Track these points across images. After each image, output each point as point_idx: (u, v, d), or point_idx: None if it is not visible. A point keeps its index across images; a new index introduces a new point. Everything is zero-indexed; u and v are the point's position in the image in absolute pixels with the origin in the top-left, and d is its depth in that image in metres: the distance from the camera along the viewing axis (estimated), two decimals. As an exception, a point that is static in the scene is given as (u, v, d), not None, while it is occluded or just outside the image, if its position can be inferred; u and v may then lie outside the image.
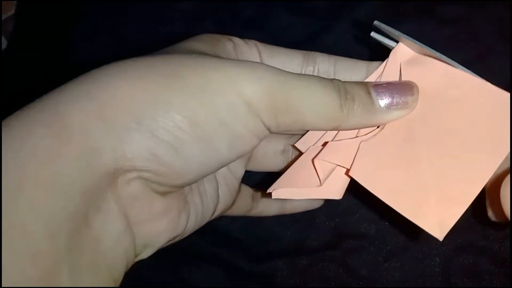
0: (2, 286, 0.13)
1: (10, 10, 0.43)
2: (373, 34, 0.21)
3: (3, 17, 0.43)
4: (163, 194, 0.18)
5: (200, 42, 0.19)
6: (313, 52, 0.22)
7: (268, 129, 0.18)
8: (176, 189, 0.18)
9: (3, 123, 0.15)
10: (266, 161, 0.26)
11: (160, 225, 0.18)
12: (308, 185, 0.21)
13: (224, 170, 0.22)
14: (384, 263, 0.31)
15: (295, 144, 0.22)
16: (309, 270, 0.32)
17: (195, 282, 0.32)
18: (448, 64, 0.19)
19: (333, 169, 0.20)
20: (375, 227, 0.32)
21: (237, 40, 0.21)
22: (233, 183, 0.23)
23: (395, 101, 0.19)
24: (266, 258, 0.32)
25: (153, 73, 0.16)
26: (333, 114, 0.18)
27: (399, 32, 0.19)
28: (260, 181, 0.31)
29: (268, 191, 0.21)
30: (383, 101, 0.18)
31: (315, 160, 0.20)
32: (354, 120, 0.18)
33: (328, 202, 0.32)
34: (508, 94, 0.17)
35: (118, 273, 0.17)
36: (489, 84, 0.18)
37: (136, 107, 0.16)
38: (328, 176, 0.20)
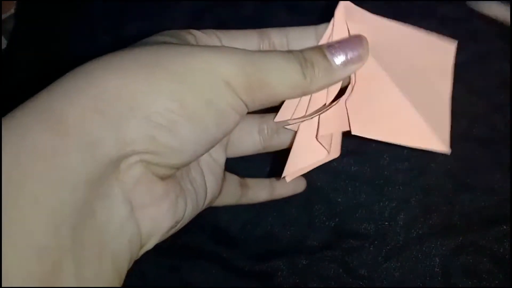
0: (5, 283, 0.13)
1: (10, 10, 0.43)
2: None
3: (3, 17, 0.43)
4: (162, 178, 0.19)
5: (165, 37, 0.21)
6: (266, 29, 0.23)
7: (246, 106, 0.19)
8: (174, 171, 0.19)
9: (1, 123, 0.16)
10: (244, 144, 0.27)
11: (162, 209, 0.19)
12: (317, 159, 0.23)
13: (206, 157, 0.23)
14: (384, 263, 0.31)
15: (275, 120, 0.23)
16: (309, 270, 0.32)
17: (195, 281, 0.33)
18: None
19: (331, 136, 0.23)
20: (375, 227, 0.32)
21: (195, 32, 0.22)
22: (217, 170, 0.24)
23: (349, 57, 0.21)
24: (266, 258, 0.32)
25: (136, 63, 0.17)
26: (298, 82, 0.20)
27: None
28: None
29: (283, 176, 0.23)
30: (338, 59, 0.21)
31: (318, 138, 0.22)
32: (318, 83, 0.20)
33: (328, 202, 0.33)
34: (452, 44, 0.20)
35: (122, 265, 0.17)
36: (429, 37, 0.20)
37: (128, 96, 0.17)
38: (330, 143, 0.23)
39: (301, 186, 0.29)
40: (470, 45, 0.32)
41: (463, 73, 0.31)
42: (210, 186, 0.23)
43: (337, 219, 0.32)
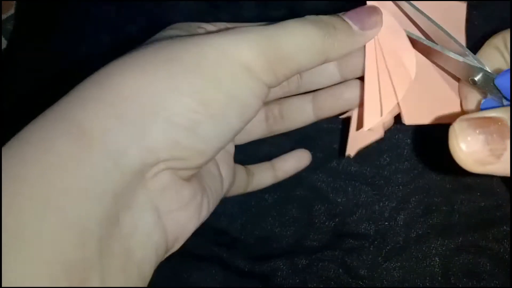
0: None
1: (10, 10, 0.43)
2: None
3: (3, 17, 0.43)
4: (188, 179, 0.18)
5: (176, 30, 0.20)
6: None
7: (269, 87, 0.19)
8: (198, 170, 0.19)
9: (21, 136, 0.15)
10: (252, 131, 0.27)
11: (189, 212, 0.19)
12: (373, 138, 0.24)
13: None
14: (384, 263, 0.31)
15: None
16: (309, 270, 0.32)
17: (195, 281, 0.32)
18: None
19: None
20: (375, 227, 0.32)
21: (205, 25, 0.22)
22: (229, 159, 0.24)
23: (365, 22, 0.20)
24: (266, 258, 0.32)
25: (151, 62, 0.17)
26: (321, 46, 0.19)
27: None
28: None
29: (346, 155, 0.25)
30: (357, 25, 0.20)
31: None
32: (340, 45, 0.20)
33: (328, 202, 0.33)
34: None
35: (147, 271, 0.17)
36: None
37: (146, 100, 0.16)
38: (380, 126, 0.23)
39: (305, 160, 0.29)
40: (470, 45, 0.32)
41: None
42: (226, 177, 0.23)
43: (337, 219, 0.32)
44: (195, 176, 0.19)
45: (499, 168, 0.15)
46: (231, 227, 0.33)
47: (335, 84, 0.25)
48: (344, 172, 0.33)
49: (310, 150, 0.33)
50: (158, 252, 0.17)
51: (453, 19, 0.22)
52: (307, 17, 0.20)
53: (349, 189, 0.33)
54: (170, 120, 0.16)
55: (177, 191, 0.18)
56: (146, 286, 0.17)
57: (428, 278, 0.30)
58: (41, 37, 0.41)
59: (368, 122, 0.22)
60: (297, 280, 0.32)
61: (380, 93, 0.22)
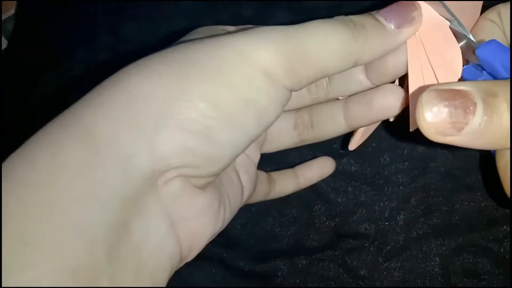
0: None
1: (10, 10, 0.43)
2: None
3: (3, 17, 0.43)
4: (203, 187, 0.18)
5: (199, 34, 0.20)
6: None
7: (291, 91, 0.18)
8: (214, 178, 0.18)
9: (32, 140, 0.15)
10: (280, 140, 0.26)
11: (204, 221, 0.18)
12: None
13: (242, 157, 0.22)
14: (384, 263, 0.31)
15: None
16: (309, 270, 0.32)
17: (195, 281, 0.32)
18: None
19: None
20: (375, 227, 0.32)
21: (229, 28, 0.21)
22: (252, 168, 0.23)
23: (403, 19, 0.19)
24: (266, 258, 0.32)
25: (167, 65, 0.16)
26: (349, 47, 0.18)
27: None
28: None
29: (350, 149, 0.24)
30: (392, 22, 0.19)
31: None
32: (371, 47, 0.18)
33: (328, 202, 0.32)
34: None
35: (161, 280, 0.17)
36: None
37: (159, 104, 0.16)
38: None
39: (328, 168, 0.28)
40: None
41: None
42: (246, 185, 0.22)
43: (337, 219, 0.32)
44: (212, 184, 0.19)
45: (459, 140, 0.16)
46: (231, 227, 0.33)
47: (367, 90, 0.23)
48: (344, 172, 0.33)
49: (310, 150, 0.33)
50: (172, 261, 0.17)
51: (469, 14, 0.20)
52: (336, 17, 0.18)
53: (349, 189, 0.33)
54: (182, 126, 0.16)
55: (191, 199, 0.17)
56: None
57: (428, 278, 0.30)
58: (41, 37, 0.41)
59: (415, 124, 0.20)
60: (297, 280, 0.32)
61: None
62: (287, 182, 0.28)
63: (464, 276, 0.30)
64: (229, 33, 0.20)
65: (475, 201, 0.31)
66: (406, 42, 0.20)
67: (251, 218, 0.33)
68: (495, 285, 0.30)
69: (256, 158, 0.24)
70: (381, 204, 0.32)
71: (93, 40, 0.39)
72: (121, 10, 0.39)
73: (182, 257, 0.18)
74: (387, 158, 0.32)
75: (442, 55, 0.20)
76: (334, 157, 0.33)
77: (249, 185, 0.23)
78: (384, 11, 0.19)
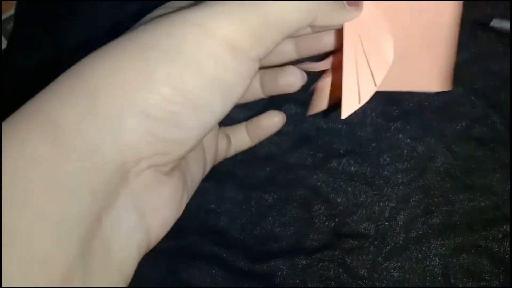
0: None
1: (10, 10, 0.43)
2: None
3: (3, 17, 0.43)
4: (170, 172, 0.18)
5: (163, 9, 0.19)
6: None
7: (259, 61, 0.17)
8: (179, 161, 0.18)
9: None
10: (246, 95, 0.25)
11: (171, 209, 0.18)
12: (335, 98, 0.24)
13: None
14: (384, 263, 0.31)
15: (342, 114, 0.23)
16: (309, 270, 0.32)
17: (195, 282, 0.32)
18: None
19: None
20: (375, 227, 0.32)
21: (186, 3, 0.20)
22: (214, 139, 0.23)
23: (354, 1, 0.20)
24: (266, 258, 0.32)
25: (127, 51, 0.16)
26: (312, 5, 0.17)
27: None
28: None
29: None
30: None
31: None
32: (329, 15, 0.18)
33: (328, 202, 0.33)
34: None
35: (129, 271, 0.17)
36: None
37: (121, 92, 0.15)
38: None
39: (277, 123, 0.27)
40: (470, 45, 0.32)
41: (463, 73, 0.31)
42: (209, 158, 0.22)
43: (337, 219, 0.32)
44: (178, 168, 0.18)
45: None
46: (231, 227, 0.33)
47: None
48: (344, 172, 0.33)
49: (310, 150, 0.33)
50: (140, 251, 0.17)
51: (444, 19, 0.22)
52: None
53: (349, 189, 0.33)
54: (146, 113, 0.15)
55: (160, 190, 0.17)
56: (127, 285, 0.17)
57: (428, 278, 0.30)
58: (41, 37, 0.41)
59: (346, 110, 0.21)
60: (297, 280, 0.32)
61: (358, 80, 0.21)
62: (242, 137, 0.27)
63: (464, 276, 0.30)
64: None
65: (475, 201, 0.31)
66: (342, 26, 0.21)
67: (251, 218, 0.33)
68: (495, 285, 0.30)
69: (216, 126, 0.23)
70: (381, 204, 0.32)
71: (93, 40, 0.39)
72: (121, 10, 0.39)
73: (149, 245, 0.18)
74: (387, 158, 0.32)
75: (375, 43, 0.21)
76: (334, 157, 0.33)
77: (212, 157, 0.22)
78: None
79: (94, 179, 0.15)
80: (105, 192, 0.15)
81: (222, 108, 0.17)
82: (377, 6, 0.21)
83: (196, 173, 0.21)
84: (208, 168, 0.23)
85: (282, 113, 0.26)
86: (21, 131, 0.15)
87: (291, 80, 0.24)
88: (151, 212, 0.17)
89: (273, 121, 0.26)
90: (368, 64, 0.21)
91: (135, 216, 0.16)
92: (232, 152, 0.27)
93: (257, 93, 0.25)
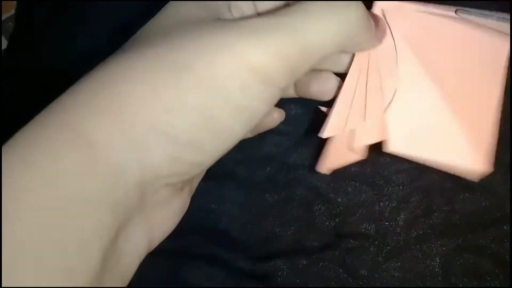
0: None
1: (10, 10, 0.43)
2: None
3: (3, 17, 0.43)
4: (181, 188, 0.18)
5: (190, 5, 0.18)
6: None
7: (284, 89, 0.17)
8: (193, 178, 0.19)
9: (21, 138, 0.15)
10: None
11: (174, 221, 0.19)
12: (349, 160, 0.23)
13: None
14: (384, 263, 0.31)
15: (322, 135, 0.22)
16: (309, 270, 0.32)
17: (195, 282, 0.33)
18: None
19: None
20: (375, 227, 0.32)
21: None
22: None
23: (381, 30, 0.19)
24: (266, 258, 0.32)
25: (160, 70, 0.16)
26: (350, 28, 0.17)
27: None
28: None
29: (317, 170, 0.23)
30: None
31: (354, 147, 0.21)
32: (361, 41, 0.18)
33: (328, 203, 0.33)
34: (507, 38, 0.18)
35: (127, 279, 0.17)
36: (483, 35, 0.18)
37: (150, 113, 0.15)
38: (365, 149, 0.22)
39: (276, 119, 0.26)
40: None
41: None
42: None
43: (337, 219, 0.32)
44: (189, 182, 0.19)
45: None
46: (231, 227, 0.33)
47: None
48: (344, 172, 0.33)
49: (310, 150, 0.33)
50: (140, 260, 0.17)
51: (488, 58, 0.18)
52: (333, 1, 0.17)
53: (349, 189, 0.33)
54: (172, 138, 0.16)
55: (171, 205, 0.18)
56: (125, 285, 0.17)
57: (428, 278, 0.30)
58: (41, 37, 0.41)
59: (327, 131, 0.20)
60: (297, 280, 0.32)
61: (350, 108, 0.20)
62: None
63: (464, 276, 0.30)
64: (229, 8, 0.19)
65: (475, 201, 0.31)
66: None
67: (251, 218, 0.33)
68: (495, 285, 0.30)
69: None
70: (381, 204, 0.32)
71: (93, 40, 0.39)
72: (122, 10, 0.39)
73: (147, 252, 0.18)
74: (387, 158, 0.32)
75: (379, 81, 0.19)
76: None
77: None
78: (373, 15, 0.19)
79: (116, 197, 0.15)
80: (125, 209, 0.16)
81: (242, 132, 0.17)
82: (406, 40, 0.19)
83: (200, 176, 0.22)
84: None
85: (282, 110, 0.26)
86: (51, 140, 0.15)
87: (325, 88, 0.22)
88: (158, 226, 0.18)
89: (272, 117, 0.26)
90: (365, 97, 0.20)
91: (143, 229, 0.17)
92: None
93: (290, 92, 0.25)
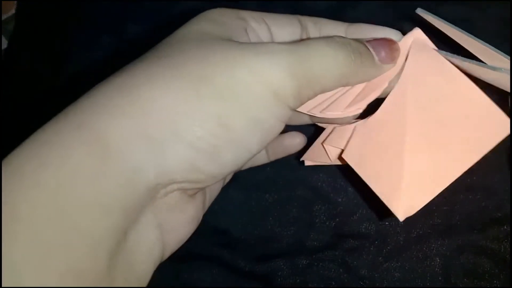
0: None
1: (10, 10, 0.43)
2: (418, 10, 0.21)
3: (3, 17, 0.43)
4: (193, 195, 0.18)
5: (210, 24, 0.19)
6: (303, 17, 0.23)
7: (293, 110, 0.18)
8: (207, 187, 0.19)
9: (39, 139, 0.15)
10: (254, 160, 0.26)
11: (189, 228, 0.19)
12: (324, 161, 0.24)
13: None
14: (384, 263, 0.31)
15: (301, 110, 0.22)
16: (309, 270, 0.32)
17: (195, 282, 0.32)
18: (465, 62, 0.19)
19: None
20: (375, 227, 0.32)
21: (245, 15, 0.21)
22: None
23: (384, 56, 0.20)
24: (266, 258, 0.32)
25: (182, 78, 0.16)
26: (347, 71, 0.19)
27: (437, 18, 0.20)
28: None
29: (302, 159, 0.25)
30: (378, 56, 0.20)
31: (324, 144, 0.23)
32: (361, 73, 0.19)
33: (328, 202, 0.33)
34: (507, 120, 0.18)
35: (144, 283, 0.17)
36: (490, 102, 0.18)
37: (172, 119, 0.16)
38: (335, 156, 0.23)
39: (298, 144, 0.27)
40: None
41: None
42: (228, 176, 0.23)
43: (337, 219, 0.32)
44: (201, 190, 0.19)
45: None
46: (231, 227, 0.33)
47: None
48: (344, 172, 0.33)
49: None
50: (155, 265, 0.18)
51: (485, 129, 0.18)
52: (335, 37, 0.19)
53: (350, 189, 0.33)
54: (191, 144, 0.16)
55: (183, 210, 0.18)
56: None
57: (428, 278, 0.30)
58: (41, 37, 0.41)
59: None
60: (298, 280, 0.32)
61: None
62: (259, 154, 0.26)
63: (464, 276, 0.30)
64: (246, 27, 0.20)
65: (475, 201, 0.31)
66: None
67: (251, 218, 0.33)
68: (495, 285, 0.30)
69: None
70: (380, 202, 0.32)
71: (93, 40, 0.39)
72: (122, 10, 0.39)
73: (163, 259, 0.18)
74: (387, 158, 0.32)
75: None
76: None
77: (229, 176, 0.23)
78: (374, 43, 0.20)
79: (128, 197, 0.15)
80: (135, 210, 0.16)
81: (258, 147, 0.18)
82: (414, 75, 0.19)
83: (216, 190, 0.22)
84: (226, 182, 0.24)
85: (304, 135, 0.27)
86: (66, 140, 0.15)
87: (297, 141, 0.26)
88: (171, 230, 0.18)
89: (294, 141, 0.27)
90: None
91: (157, 233, 0.17)
92: (247, 166, 0.27)
93: (263, 158, 0.27)
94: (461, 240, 0.31)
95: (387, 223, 0.32)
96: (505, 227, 0.30)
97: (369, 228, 0.32)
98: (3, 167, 0.14)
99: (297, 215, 0.33)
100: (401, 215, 0.19)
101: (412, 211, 0.19)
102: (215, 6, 0.20)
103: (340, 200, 0.33)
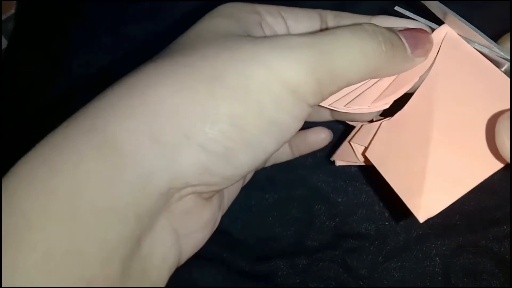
0: None
1: (10, 10, 0.43)
2: (397, 8, 0.20)
3: (3, 17, 0.43)
4: (209, 198, 0.18)
5: (224, 19, 0.18)
6: (323, 10, 0.21)
7: (313, 106, 0.17)
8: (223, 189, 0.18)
9: (49, 143, 0.15)
10: (276, 156, 0.26)
11: (206, 232, 0.18)
12: (353, 160, 0.23)
13: None
14: (384, 263, 0.31)
15: (321, 104, 0.21)
16: (309, 270, 0.32)
17: (195, 281, 0.32)
18: (489, 46, 0.18)
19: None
20: (375, 227, 0.32)
21: (260, 9, 0.20)
22: None
23: (420, 48, 0.19)
24: (266, 258, 0.32)
25: (194, 79, 0.16)
26: (376, 64, 0.17)
27: (446, 8, 0.19)
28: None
29: (332, 159, 0.25)
30: (411, 48, 0.19)
31: (351, 142, 0.22)
32: (392, 66, 0.18)
33: (328, 202, 0.33)
34: None
35: (158, 285, 0.17)
36: None
37: (183, 121, 0.15)
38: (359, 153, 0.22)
39: (324, 140, 0.26)
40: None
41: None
42: (247, 176, 0.22)
43: (337, 219, 0.32)
44: (218, 193, 0.19)
45: None
46: (231, 227, 0.33)
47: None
48: (344, 172, 0.33)
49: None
50: (171, 271, 0.17)
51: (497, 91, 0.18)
52: (364, 25, 0.17)
53: (350, 189, 0.33)
54: (203, 146, 0.15)
55: (198, 214, 0.17)
56: None
57: (428, 278, 0.30)
58: (42, 37, 0.41)
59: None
60: (298, 280, 0.32)
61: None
62: (282, 149, 0.26)
63: (464, 276, 0.30)
64: (261, 21, 0.19)
65: (475, 201, 0.31)
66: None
67: (251, 218, 0.33)
68: (495, 285, 0.30)
69: None
70: (381, 204, 0.32)
71: (93, 40, 0.39)
72: (121, 10, 0.39)
73: (179, 264, 0.18)
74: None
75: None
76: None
77: (249, 175, 0.22)
78: (407, 33, 0.19)
79: (141, 203, 0.15)
80: (149, 216, 0.15)
81: (274, 147, 0.17)
82: (443, 71, 0.18)
83: (234, 192, 0.22)
84: (246, 182, 0.23)
85: (329, 130, 0.26)
86: (77, 145, 0.15)
87: (322, 137, 0.25)
88: (187, 235, 0.17)
89: (319, 137, 0.26)
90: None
91: (172, 238, 0.17)
92: (270, 162, 0.26)
93: (287, 155, 0.26)
94: (461, 240, 0.31)
95: (387, 223, 0.32)
96: (505, 227, 0.30)
97: (369, 228, 0.32)
98: (13, 173, 0.14)
99: (297, 215, 0.33)
100: (421, 216, 0.18)
101: (432, 213, 0.18)
102: (213, 6, 0.20)
103: (340, 200, 0.33)
